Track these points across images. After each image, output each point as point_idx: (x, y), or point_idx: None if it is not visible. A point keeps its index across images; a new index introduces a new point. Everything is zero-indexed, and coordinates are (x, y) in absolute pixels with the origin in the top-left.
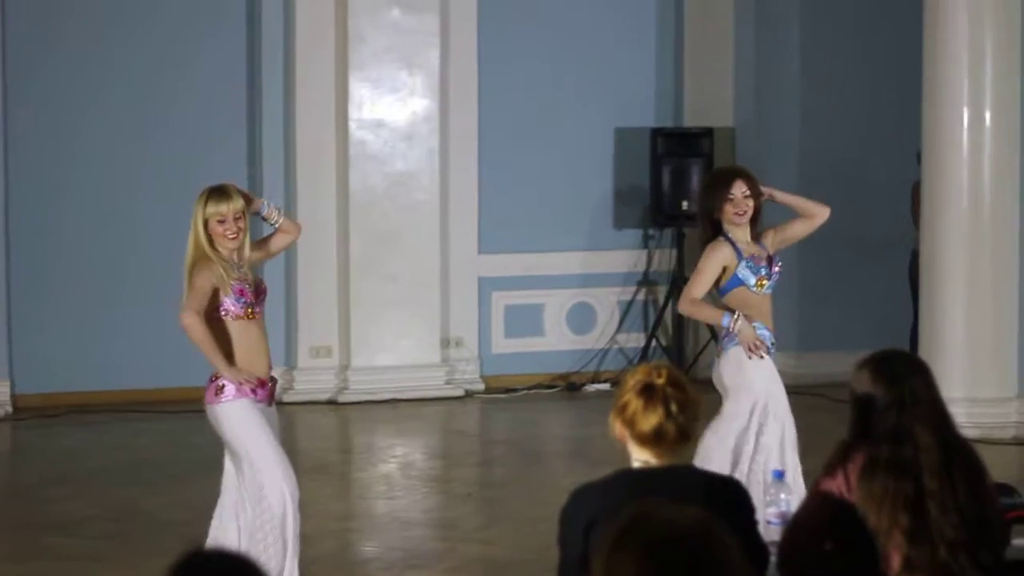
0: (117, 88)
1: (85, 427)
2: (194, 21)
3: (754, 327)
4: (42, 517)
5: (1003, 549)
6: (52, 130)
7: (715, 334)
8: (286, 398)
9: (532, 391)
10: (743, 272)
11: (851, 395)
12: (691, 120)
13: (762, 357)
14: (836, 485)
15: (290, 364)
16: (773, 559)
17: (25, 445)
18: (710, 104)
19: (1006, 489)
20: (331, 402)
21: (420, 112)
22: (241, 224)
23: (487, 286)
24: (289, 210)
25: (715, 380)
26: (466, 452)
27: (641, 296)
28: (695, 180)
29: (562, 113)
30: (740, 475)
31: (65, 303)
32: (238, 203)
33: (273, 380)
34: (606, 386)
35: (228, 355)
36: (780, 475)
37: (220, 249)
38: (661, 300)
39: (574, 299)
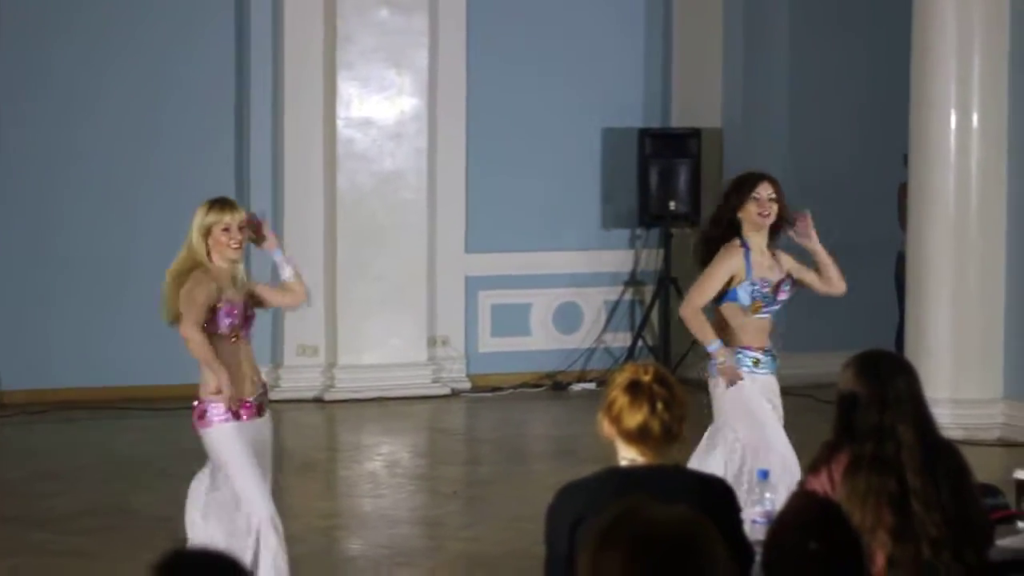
0: (107, 87)
1: (72, 423)
2: (183, 20)
3: (736, 358)
4: (29, 513)
5: (987, 549)
6: (43, 126)
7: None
8: (272, 396)
9: (518, 390)
10: (742, 291)
11: (836, 394)
12: (679, 121)
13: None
14: (820, 484)
15: (276, 362)
16: (758, 558)
17: (12, 441)
18: (698, 105)
19: (991, 490)
20: (317, 400)
21: (408, 111)
22: (243, 237)
23: (474, 285)
24: (277, 209)
25: (710, 388)
26: (452, 450)
27: (628, 296)
28: (683, 181)
29: (550, 113)
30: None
31: (53, 300)
32: (241, 215)
33: (264, 387)
34: (592, 386)
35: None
36: (765, 475)
37: (218, 261)
38: (648, 300)
39: (561, 299)
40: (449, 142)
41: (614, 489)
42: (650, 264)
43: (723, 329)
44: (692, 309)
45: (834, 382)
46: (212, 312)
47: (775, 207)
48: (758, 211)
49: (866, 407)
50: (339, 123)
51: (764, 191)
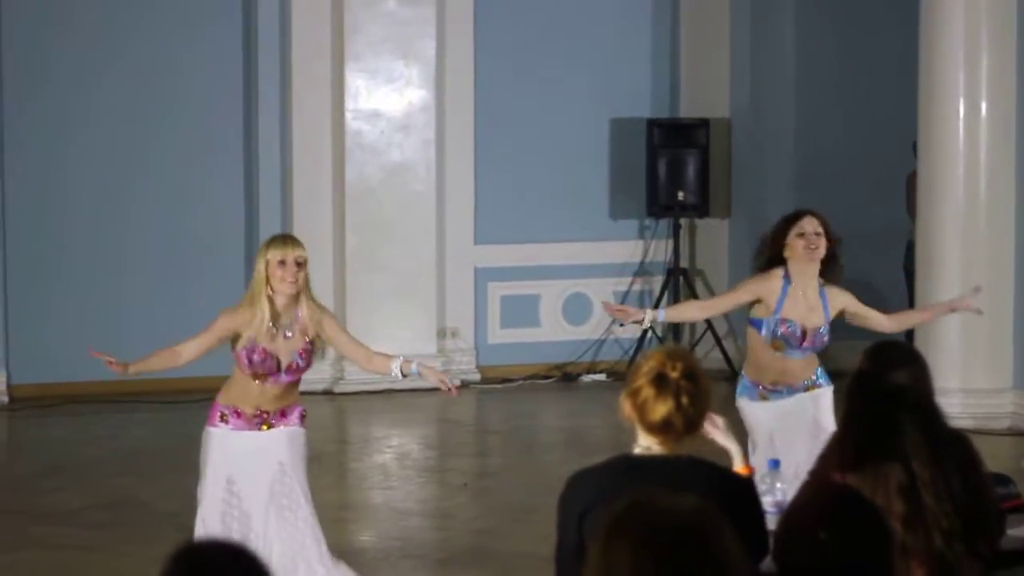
0: (113, 79)
1: (80, 417)
2: (190, 12)
3: (744, 385)
4: (37, 506)
5: (999, 538)
6: (48, 120)
7: (713, 329)
8: None
9: (528, 381)
10: (764, 326)
11: (847, 386)
12: (687, 111)
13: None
14: (831, 476)
15: None
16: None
17: (21, 435)
18: (706, 95)
19: (1002, 479)
20: (327, 392)
21: (416, 103)
22: (301, 274)
23: (483, 276)
24: (285, 201)
25: None
26: (461, 442)
27: (637, 287)
28: (691, 171)
29: (558, 103)
30: None
31: (62, 293)
32: (301, 251)
33: (266, 416)
34: (602, 376)
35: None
36: (776, 464)
37: (275, 295)
38: (657, 291)
39: (570, 289)
40: (457, 133)
41: (624, 478)
42: (659, 255)
43: (750, 353)
44: (699, 305)
45: (844, 372)
46: (240, 342)
47: (822, 241)
48: (805, 245)
49: (869, 397)
50: (347, 115)
51: (809, 226)
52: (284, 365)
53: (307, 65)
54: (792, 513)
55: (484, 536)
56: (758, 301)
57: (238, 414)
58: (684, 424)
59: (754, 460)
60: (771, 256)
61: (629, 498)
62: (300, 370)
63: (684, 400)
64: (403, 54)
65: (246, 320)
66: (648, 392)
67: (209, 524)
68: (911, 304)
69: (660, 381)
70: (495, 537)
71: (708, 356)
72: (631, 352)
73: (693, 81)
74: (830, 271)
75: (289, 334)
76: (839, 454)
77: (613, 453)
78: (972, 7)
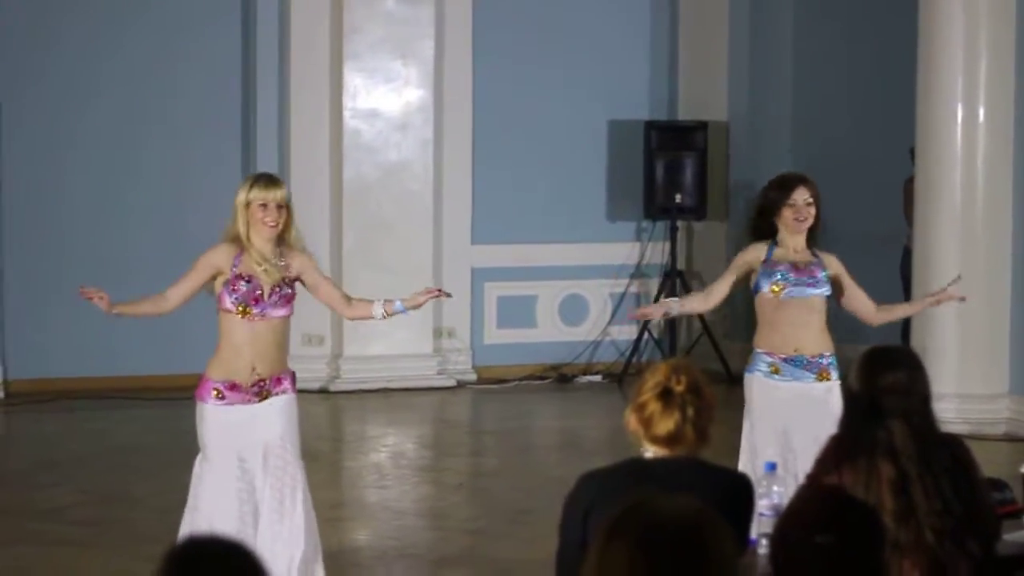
0: (112, 76)
1: (76, 413)
2: (190, 10)
3: (755, 359)
4: (31, 502)
5: (994, 542)
6: (48, 116)
7: (709, 331)
8: None
9: (524, 382)
10: (762, 277)
11: (845, 389)
12: (685, 113)
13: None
14: (829, 478)
15: None
16: (764, 551)
17: (16, 430)
18: (704, 97)
19: (998, 485)
20: (323, 391)
21: (414, 102)
22: (282, 216)
23: (480, 277)
24: None
25: None
26: (457, 442)
27: (634, 288)
28: (688, 173)
29: (556, 105)
30: None
31: (57, 289)
32: (282, 192)
33: (265, 382)
34: (598, 378)
35: (220, 354)
36: (772, 467)
37: (255, 237)
38: (653, 293)
39: (567, 291)
40: (455, 133)
41: (631, 479)
42: (656, 257)
43: (760, 321)
44: (701, 297)
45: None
46: (219, 287)
47: (812, 211)
48: (794, 216)
49: (860, 398)
50: (345, 114)
51: (800, 196)
52: (268, 291)
53: (305, 64)
54: (788, 516)
55: (479, 536)
56: (752, 272)
57: (233, 387)
58: (693, 435)
59: (750, 439)
60: (763, 226)
61: (628, 500)
62: (285, 298)
63: (690, 412)
64: (401, 54)
65: (228, 256)
66: (654, 407)
67: (222, 505)
68: None
69: (666, 396)
70: (490, 538)
71: (704, 358)
72: (627, 354)
73: (691, 84)
74: (816, 238)
75: (271, 268)
76: (836, 453)
77: (608, 453)
78: (971, 13)
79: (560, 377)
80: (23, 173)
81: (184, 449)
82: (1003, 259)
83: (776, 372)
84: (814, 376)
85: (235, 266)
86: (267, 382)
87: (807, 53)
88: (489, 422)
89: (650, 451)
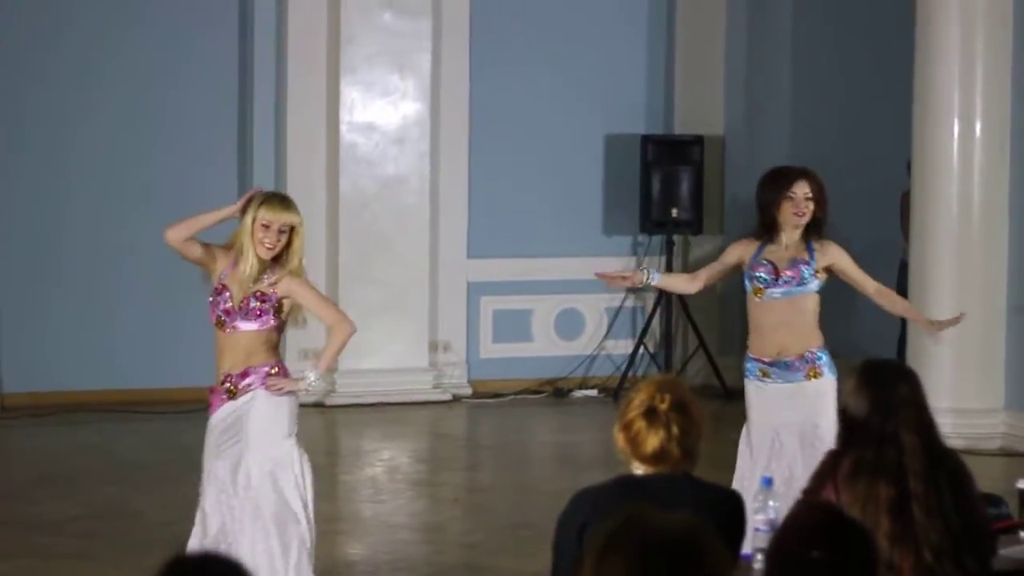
0: (109, 89)
1: (73, 426)
2: (186, 22)
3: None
4: (29, 516)
5: (990, 558)
6: (45, 128)
7: (704, 345)
8: None
9: (519, 396)
10: (745, 279)
11: (840, 404)
12: (681, 127)
13: None
14: (826, 493)
15: None
16: (760, 566)
17: (13, 444)
18: (700, 112)
19: (994, 500)
20: (318, 405)
21: (411, 116)
22: (283, 241)
23: (476, 291)
24: None
25: None
26: (453, 456)
27: (630, 303)
28: (685, 187)
29: (553, 119)
30: None
31: (55, 302)
32: (288, 217)
33: (234, 382)
34: (594, 392)
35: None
36: (768, 482)
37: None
38: (649, 307)
39: (562, 305)
40: (452, 147)
41: (623, 496)
42: None
43: (749, 323)
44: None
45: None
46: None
47: (811, 206)
48: (793, 211)
49: (868, 414)
50: (342, 127)
51: (800, 190)
52: (238, 304)
53: (302, 77)
54: (784, 532)
55: (474, 551)
56: (742, 265)
57: (212, 391)
58: (680, 453)
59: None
60: (766, 222)
61: (623, 514)
62: (255, 312)
63: (675, 431)
64: (398, 67)
65: (224, 262)
66: (639, 425)
67: (209, 522)
68: (904, 323)
69: (650, 414)
70: (485, 552)
71: (700, 373)
72: (623, 368)
73: (688, 98)
74: (813, 235)
75: (255, 284)
76: (833, 470)
77: (604, 468)
78: (967, 27)
79: (556, 391)
80: (20, 186)
81: (183, 462)
82: (999, 273)
83: (765, 376)
84: (803, 375)
85: (224, 275)
86: (233, 376)
87: (804, 67)
88: (485, 436)
89: (639, 469)
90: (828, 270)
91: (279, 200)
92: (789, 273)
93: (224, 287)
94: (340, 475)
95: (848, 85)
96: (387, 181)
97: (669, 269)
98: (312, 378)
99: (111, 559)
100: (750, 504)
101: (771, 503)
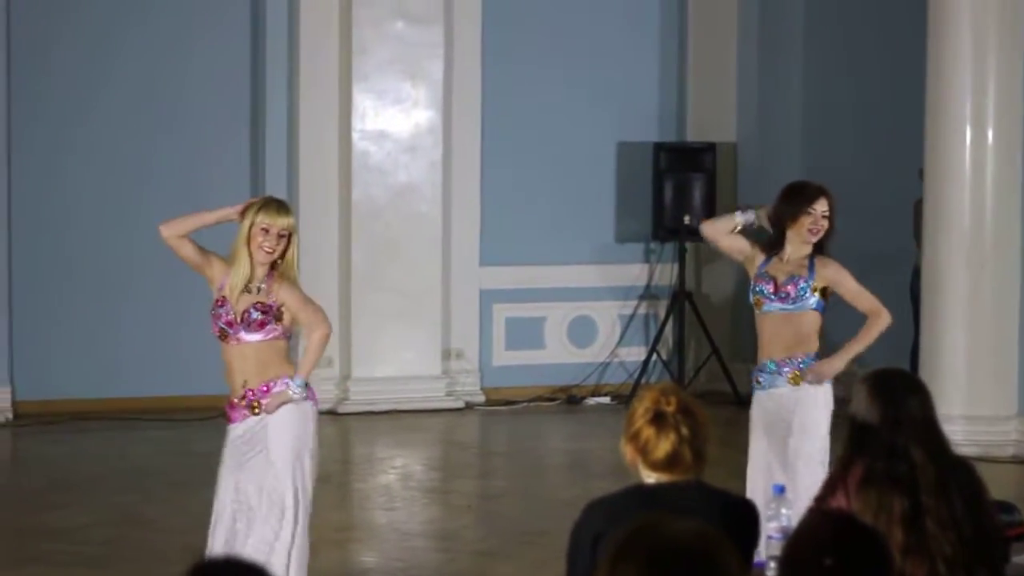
0: (121, 98)
1: (85, 434)
2: (198, 28)
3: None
4: (42, 523)
5: (1003, 566)
6: (55, 137)
7: (718, 353)
8: None
9: (532, 404)
10: (750, 291)
11: (848, 412)
12: (694, 135)
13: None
14: (836, 501)
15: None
16: (773, 574)
17: (25, 452)
18: (713, 119)
19: (1006, 507)
20: (331, 412)
21: (423, 124)
22: (282, 245)
23: (488, 298)
24: None
25: None
26: (466, 464)
27: (642, 310)
28: (697, 195)
29: (565, 126)
30: None
31: (67, 310)
32: (287, 221)
33: (253, 393)
34: (607, 399)
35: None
36: (781, 490)
37: (252, 257)
38: (662, 314)
39: (575, 312)
40: (464, 155)
41: (636, 505)
42: (664, 278)
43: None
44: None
45: (847, 398)
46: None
47: (827, 224)
48: (809, 227)
49: (878, 427)
50: (354, 135)
51: (820, 207)
52: (239, 317)
53: (314, 85)
54: (796, 539)
55: (487, 558)
56: (747, 262)
57: (231, 405)
58: (693, 456)
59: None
60: (774, 235)
61: (635, 522)
62: (257, 323)
63: (685, 432)
64: (411, 75)
65: (221, 273)
66: (648, 432)
67: (217, 533)
68: (917, 330)
69: (658, 419)
70: (498, 559)
71: (712, 380)
72: (635, 375)
73: (700, 106)
74: (816, 252)
75: (253, 293)
76: (844, 477)
77: (616, 476)
78: (979, 35)
79: (569, 399)
80: (32, 190)
81: (195, 470)
82: (1012, 280)
83: (758, 383)
84: (785, 380)
85: (222, 287)
86: (255, 392)
87: (816, 75)
88: (498, 444)
89: (651, 478)
90: (826, 286)
91: (277, 204)
92: (786, 289)
93: (224, 299)
94: (353, 483)
95: (860, 92)
96: (399, 189)
97: (682, 276)
98: (294, 387)
99: (122, 567)
100: (763, 512)
101: (784, 511)
